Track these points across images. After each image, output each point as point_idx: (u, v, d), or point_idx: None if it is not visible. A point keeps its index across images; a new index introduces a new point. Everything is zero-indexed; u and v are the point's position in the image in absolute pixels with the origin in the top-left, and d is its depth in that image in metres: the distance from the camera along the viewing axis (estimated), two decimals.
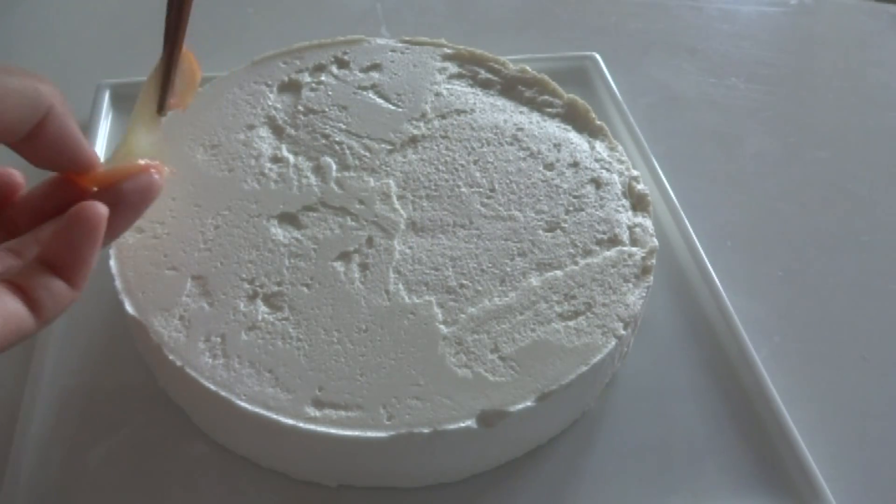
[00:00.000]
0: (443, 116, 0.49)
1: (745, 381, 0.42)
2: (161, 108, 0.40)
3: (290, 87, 0.50)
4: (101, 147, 0.53)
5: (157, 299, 0.38)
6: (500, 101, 0.50)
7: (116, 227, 0.33)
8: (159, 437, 0.38)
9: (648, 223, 0.43)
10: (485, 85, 0.52)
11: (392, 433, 0.34)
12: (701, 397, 0.42)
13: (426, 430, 0.34)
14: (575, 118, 0.50)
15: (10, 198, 0.33)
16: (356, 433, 0.34)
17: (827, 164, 0.59)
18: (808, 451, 0.38)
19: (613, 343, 0.38)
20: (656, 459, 0.39)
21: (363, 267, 0.40)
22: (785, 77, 0.68)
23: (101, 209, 0.29)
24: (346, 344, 0.37)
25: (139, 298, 0.38)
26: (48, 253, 0.29)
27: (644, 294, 0.40)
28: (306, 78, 0.50)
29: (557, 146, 0.47)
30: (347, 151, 0.46)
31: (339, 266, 0.40)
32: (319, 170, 0.45)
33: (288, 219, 0.42)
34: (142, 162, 0.35)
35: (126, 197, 0.33)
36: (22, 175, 0.33)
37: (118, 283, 0.38)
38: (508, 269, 0.40)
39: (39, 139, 0.30)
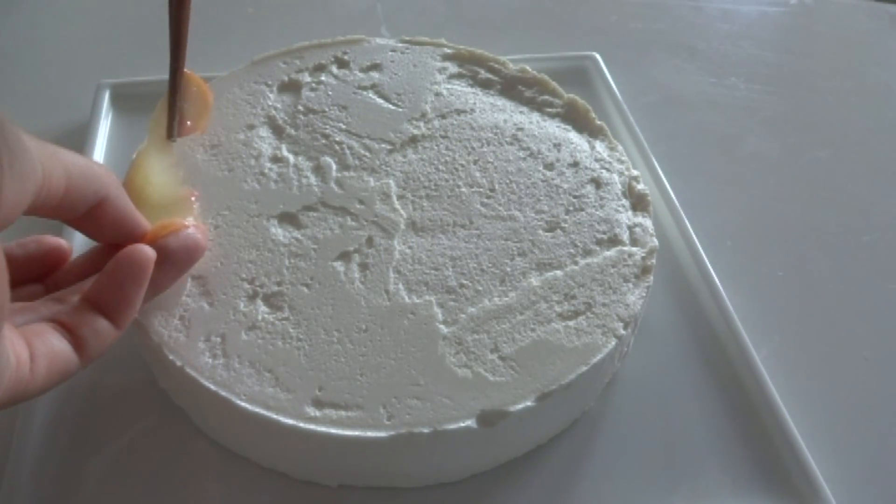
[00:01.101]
0: (443, 116, 0.49)
1: (745, 381, 0.42)
2: (170, 134, 0.41)
3: (290, 87, 0.50)
4: (100, 147, 0.52)
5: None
6: (500, 101, 0.50)
7: (161, 283, 0.34)
8: (159, 437, 0.38)
9: (648, 223, 0.43)
10: (485, 85, 0.52)
11: (392, 433, 0.34)
12: (701, 397, 0.42)
13: (426, 430, 0.34)
14: (575, 118, 0.50)
15: (58, 266, 0.34)
16: (356, 433, 0.34)
17: (827, 164, 0.59)
18: (808, 451, 0.38)
19: (613, 343, 0.38)
20: (656, 459, 0.39)
21: (363, 267, 0.40)
22: (785, 77, 0.68)
23: (149, 252, 0.31)
24: (346, 344, 0.37)
25: None
26: (94, 292, 0.30)
27: (644, 294, 0.40)
28: (306, 78, 0.50)
29: (557, 146, 0.47)
30: (347, 151, 0.46)
31: (339, 266, 0.40)
32: (319, 170, 0.45)
33: (288, 219, 0.42)
34: (187, 222, 0.36)
35: (172, 255, 0.34)
36: (69, 245, 0.34)
37: None
38: (508, 269, 0.40)
39: (98, 218, 0.31)
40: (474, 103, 0.50)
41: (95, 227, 0.32)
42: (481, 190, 0.44)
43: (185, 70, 0.42)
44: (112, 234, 0.33)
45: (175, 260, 0.35)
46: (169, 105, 0.41)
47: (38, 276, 0.33)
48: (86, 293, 0.30)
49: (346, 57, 0.52)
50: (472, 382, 0.35)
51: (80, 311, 0.29)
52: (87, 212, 0.31)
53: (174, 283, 0.36)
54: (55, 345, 0.28)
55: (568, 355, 0.37)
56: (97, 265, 0.33)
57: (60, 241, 0.34)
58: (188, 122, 0.44)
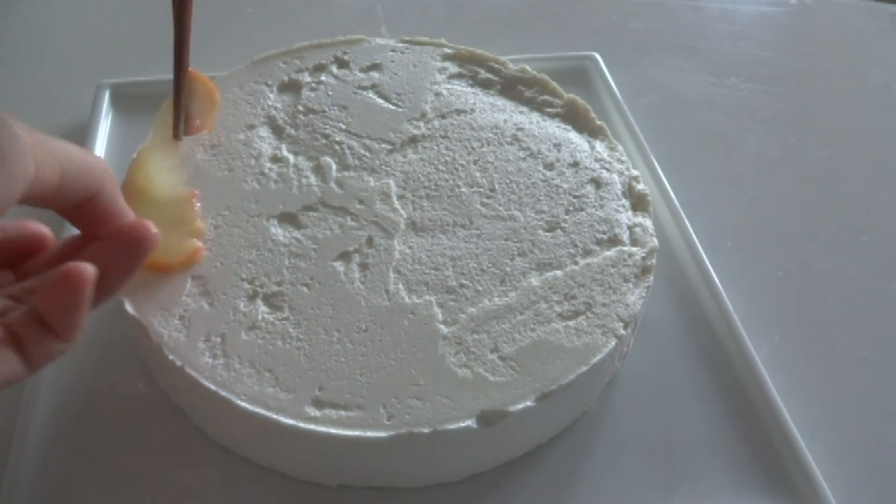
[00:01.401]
0: (443, 116, 0.49)
1: (745, 381, 0.42)
2: (176, 133, 0.41)
3: (290, 87, 0.50)
4: (100, 147, 0.52)
5: (157, 299, 0.38)
6: (500, 101, 0.50)
7: (112, 280, 0.31)
8: (159, 437, 0.38)
9: (648, 223, 0.43)
10: (485, 85, 0.51)
11: (392, 433, 0.34)
12: (701, 397, 0.42)
13: (426, 430, 0.34)
14: (575, 118, 0.50)
15: (36, 254, 0.33)
16: (356, 433, 0.34)
17: (827, 164, 0.59)
18: (808, 451, 0.38)
19: (613, 343, 0.38)
20: (656, 459, 0.39)
21: (363, 267, 0.40)
22: (785, 77, 0.68)
23: (87, 271, 0.28)
24: (346, 344, 0.37)
25: (139, 298, 0.38)
26: (39, 307, 0.29)
27: (644, 294, 0.40)
28: (306, 78, 0.50)
29: (557, 146, 0.47)
30: (347, 151, 0.46)
31: (339, 266, 0.40)
32: (319, 170, 0.45)
33: (288, 219, 0.42)
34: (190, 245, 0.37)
35: (113, 249, 0.31)
36: (51, 232, 0.33)
37: None
38: (508, 269, 0.40)
39: (88, 211, 0.31)
40: (474, 103, 0.50)
41: (83, 219, 0.31)
42: (481, 190, 0.44)
43: (190, 69, 0.42)
44: (98, 228, 0.32)
45: (115, 257, 0.31)
46: (174, 105, 0.41)
47: (14, 261, 0.32)
48: (32, 306, 0.29)
49: (346, 57, 0.52)
50: (472, 382, 0.35)
51: (27, 324, 0.28)
52: (78, 204, 0.30)
53: (129, 276, 0.32)
54: (3, 353, 0.27)
55: (568, 355, 0.37)
56: (70, 257, 0.32)
57: (42, 229, 0.33)
58: (197, 121, 0.44)
